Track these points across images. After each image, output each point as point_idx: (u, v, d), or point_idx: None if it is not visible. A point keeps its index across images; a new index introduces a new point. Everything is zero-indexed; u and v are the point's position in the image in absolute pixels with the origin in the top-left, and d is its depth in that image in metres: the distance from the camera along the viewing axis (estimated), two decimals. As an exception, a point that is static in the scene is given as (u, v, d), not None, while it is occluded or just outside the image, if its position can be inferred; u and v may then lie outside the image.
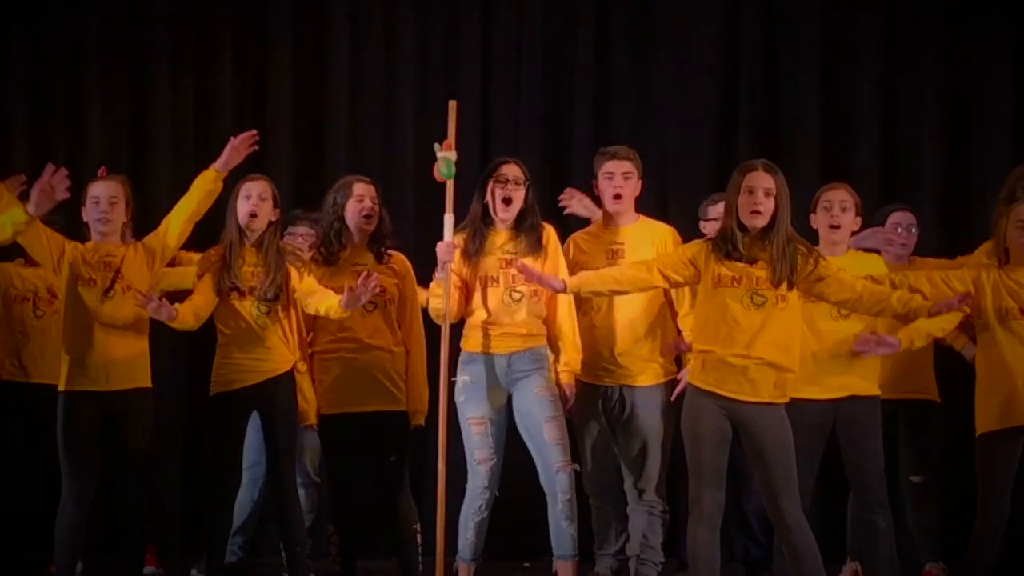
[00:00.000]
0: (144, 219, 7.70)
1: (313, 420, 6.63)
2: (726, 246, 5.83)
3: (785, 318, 5.82)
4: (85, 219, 6.60)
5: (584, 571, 6.81)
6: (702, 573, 5.82)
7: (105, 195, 6.53)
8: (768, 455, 5.81)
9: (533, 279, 6.07)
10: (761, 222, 5.80)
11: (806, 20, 8.81)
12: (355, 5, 9.01)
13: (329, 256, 6.64)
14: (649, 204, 7.20)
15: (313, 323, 6.60)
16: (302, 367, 7.00)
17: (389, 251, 6.70)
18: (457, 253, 6.50)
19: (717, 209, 7.49)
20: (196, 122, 8.94)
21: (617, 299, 6.65)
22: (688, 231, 7.11)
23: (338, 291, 6.40)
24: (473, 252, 6.48)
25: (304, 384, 6.62)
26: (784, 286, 5.80)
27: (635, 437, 6.68)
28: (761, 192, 5.80)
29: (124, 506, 6.55)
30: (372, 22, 9.00)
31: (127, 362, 6.51)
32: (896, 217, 7.53)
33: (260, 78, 8.98)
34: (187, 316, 6.45)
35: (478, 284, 6.50)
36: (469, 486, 6.50)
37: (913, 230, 7.53)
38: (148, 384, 6.62)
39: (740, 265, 5.81)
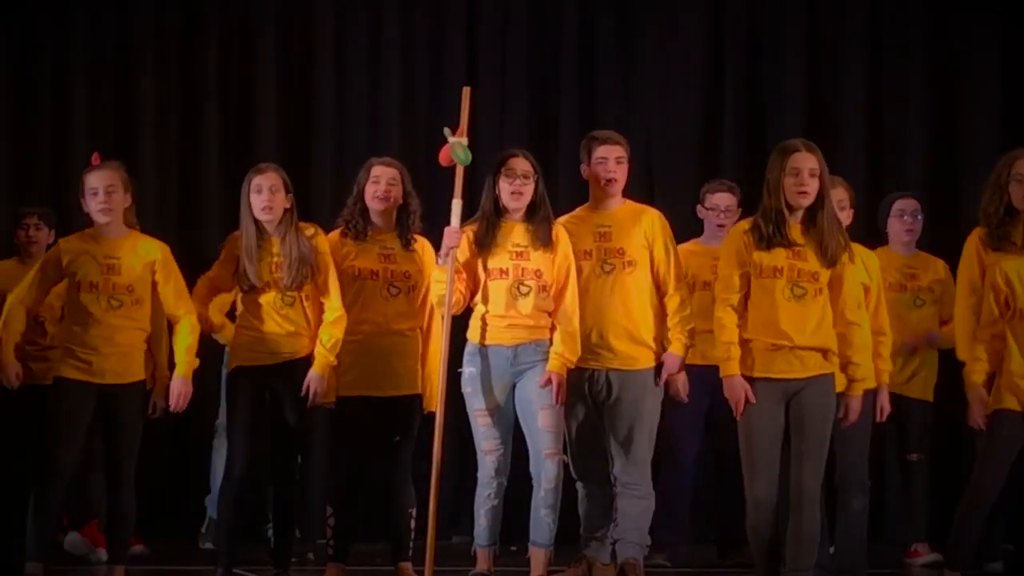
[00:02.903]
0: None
1: (332, 399, 6.61)
2: (771, 230, 5.83)
3: (824, 305, 5.87)
4: (86, 210, 6.57)
5: (571, 555, 6.83)
6: (764, 560, 5.87)
7: (102, 185, 6.49)
8: (807, 420, 5.83)
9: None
10: (808, 201, 5.82)
11: (792, 7, 8.83)
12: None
13: (356, 234, 6.67)
14: (635, 189, 7.20)
15: None
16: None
17: (414, 235, 6.71)
18: (465, 243, 6.50)
19: (713, 199, 7.54)
20: (182, 113, 8.92)
21: (604, 283, 6.66)
22: (673, 215, 7.12)
23: (364, 270, 6.58)
24: (485, 244, 6.48)
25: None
26: (822, 271, 5.82)
27: (622, 421, 6.66)
28: (806, 172, 5.81)
29: (113, 489, 6.56)
30: (356, 7, 8.99)
31: (126, 358, 6.51)
32: (900, 204, 7.63)
33: (245, 67, 8.97)
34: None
35: (487, 276, 6.50)
36: (479, 475, 6.53)
37: (919, 216, 7.60)
38: (144, 376, 6.60)
39: (782, 254, 5.82)
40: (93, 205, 6.51)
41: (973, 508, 6.20)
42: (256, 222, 6.55)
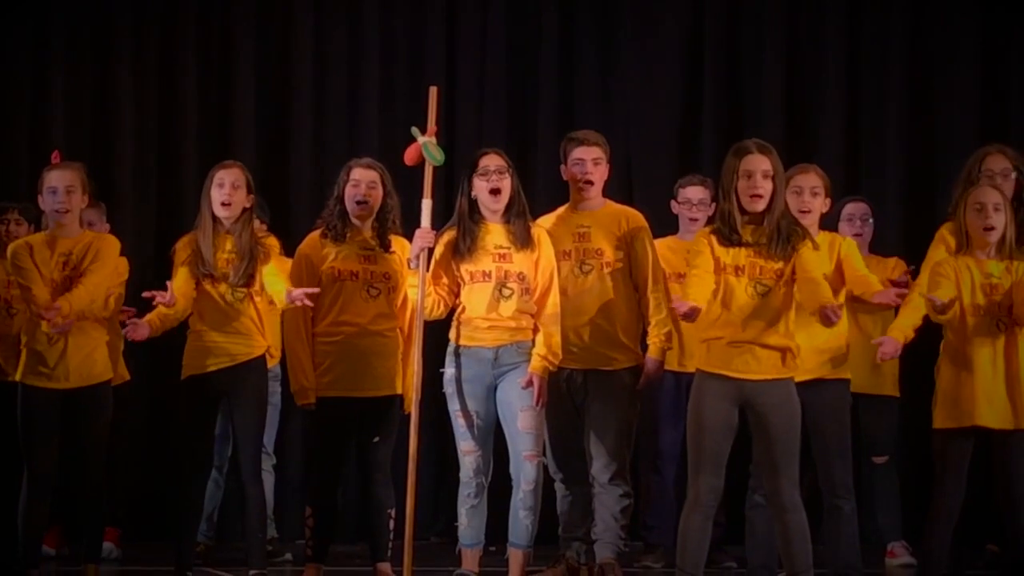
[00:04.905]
0: (109, 210, 7.73)
1: (312, 399, 6.62)
2: (727, 231, 5.82)
3: (787, 302, 5.84)
4: (42, 207, 6.62)
5: (548, 554, 6.84)
6: (689, 558, 5.82)
7: (61, 185, 6.53)
8: (772, 430, 5.80)
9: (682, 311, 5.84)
10: (762, 205, 5.80)
11: (771, 6, 8.83)
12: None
13: (336, 235, 6.66)
14: (614, 188, 7.21)
15: (315, 305, 6.57)
16: (275, 352, 7.03)
17: (392, 236, 6.70)
18: (444, 249, 6.50)
19: (686, 193, 7.54)
20: (160, 112, 8.92)
21: (582, 283, 6.67)
22: (653, 215, 7.13)
23: (343, 271, 6.54)
24: (465, 248, 6.48)
25: (306, 364, 6.61)
26: (783, 266, 5.80)
27: (600, 421, 6.65)
28: (760, 175, 5.79)
29: (81, 492, 6.62)
30: (336, 5, 8.98)
31: (87, 358, 6.56)
32: (850, 209, 7.63)
33: (224, 64, 8.97)
34: (180, 302, 6.52)
35: (469, 279, 6.49)
36: (460, 475, 6.54)
37: (869, 220, 7.60)
38: (110, 375, 6.69)
39: (743, 253, 5.81)
40: (51, 203, 6.53)
41: (939, 520, 6.13)
42: (213, 216, 6.59)
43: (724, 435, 5.83)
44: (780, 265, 5.81)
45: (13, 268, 6.56)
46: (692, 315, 5.70)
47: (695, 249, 5.93)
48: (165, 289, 6.46)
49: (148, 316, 6.59)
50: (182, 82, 8.91)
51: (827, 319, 5.72)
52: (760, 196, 5.80)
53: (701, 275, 5.83)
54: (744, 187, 5.80)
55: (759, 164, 5.80)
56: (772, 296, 5.82)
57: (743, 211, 5.81)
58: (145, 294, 6.48)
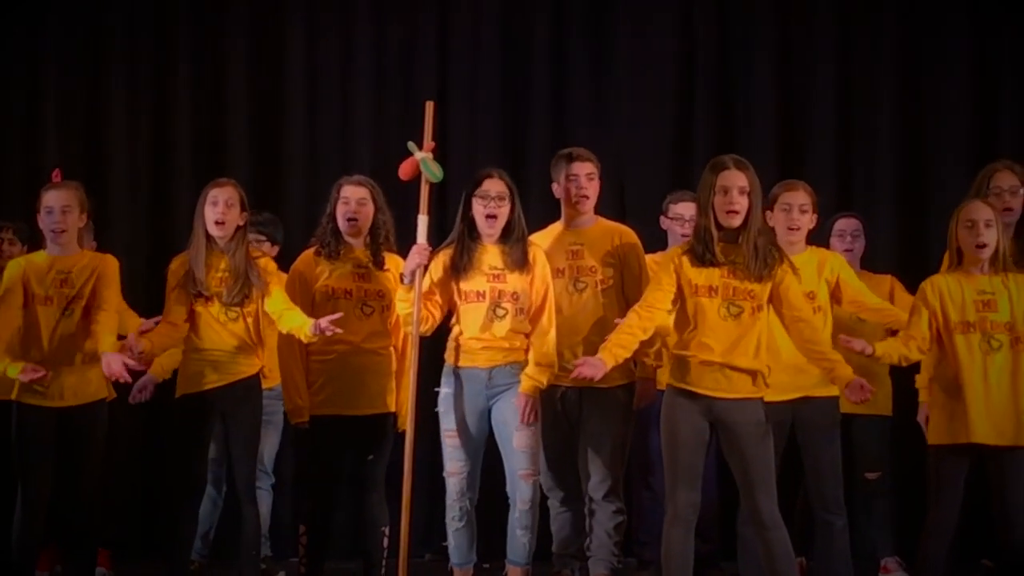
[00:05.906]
0: (101, 225, 7.72)
1: (306, 418, 6.63)
2: (701, 249, 5.83)
3: (760, 325, 5.85)
4: (40, 227, 6.61)
5: (543, 571, 6.82)
6: (674, 572, 5.83)
7: (58, 205, 6.52)
8: (745, 448, 5.82)
9: (584, 374, 5.86)
10: (737, 221, 5.81)
11: (762, 22, 8.84)
12: (311, 1, 9.00)
13: (329, 253, 6.67)
14: (606, 205, 7.21)
15: None
16: (268, 372, 7.03)
17: (385, 253, 6.71)
18: (440, 268, 6.49)
19: (677, 209, 7.54)
20: (153, 126, 8.91)
21: (576, 300, 6.67)
22: (645, 231, 7.13)
23: (337, 290, 6.58)
24: (461, 267, 6.46)
25: (300, 382, 6.63)
26: (757, 288, 5.80)
27: (594, 439, 6.67)
28: (736, 191, 5.80)
29: (75, 511, 6.58)
30: (328, 18, 8.99)
31: (82, 377, 6.55)
32: (841, 225, 7.64)
33: (216, 77, 8.95)
34: (156, 344, 6.57)
35: (464, 299, 6.48)
36: (446, 496, 6.54)
37: (860, 236, 7.61)
38: (104, 395, 6.68)
39: (716, 273, 5.82)
40: (47, 223, 6.52)
41: (934, 535, 6.12)
42: (207, 235, 6.57)
43: (698, 449, 5.86)
44: (755, 287, 5.83)
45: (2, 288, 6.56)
46: (591, 376, 5.79)
47: (655, 277, 5.97)
48: (152, 326, 6.64)
49: (153, 368, 6.90)
50: (174, 99, 8.90)
51: (860, 397, 5.78)
52: (736, 212, 5.81)
53: (639, 315, 5.89)
54: (720, 203, 5.81)
55: (735, 180, 5.82)
56: (744, 318, 5.83)
57: (719, 227, 5.83)
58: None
